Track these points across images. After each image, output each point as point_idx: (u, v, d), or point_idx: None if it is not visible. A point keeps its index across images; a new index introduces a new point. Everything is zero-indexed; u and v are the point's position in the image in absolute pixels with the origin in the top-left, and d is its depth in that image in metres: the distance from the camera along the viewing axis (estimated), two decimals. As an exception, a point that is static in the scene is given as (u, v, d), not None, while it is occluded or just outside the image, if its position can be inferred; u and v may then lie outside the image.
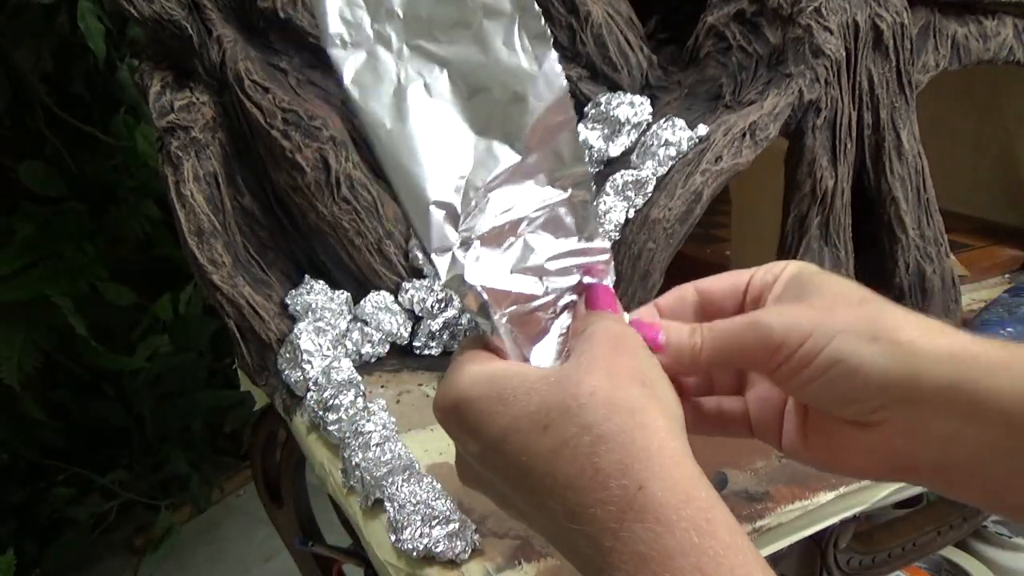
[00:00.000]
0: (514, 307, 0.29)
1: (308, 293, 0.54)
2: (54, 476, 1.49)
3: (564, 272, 0.30)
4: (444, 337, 0.55)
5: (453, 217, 0.28)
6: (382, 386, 0.52)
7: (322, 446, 0.47)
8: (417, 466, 0.42)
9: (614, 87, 0.59)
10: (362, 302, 0.55)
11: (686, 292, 0.33)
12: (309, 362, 0.50)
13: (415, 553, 0.37)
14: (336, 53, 0.27)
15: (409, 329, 0.55)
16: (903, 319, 0.27)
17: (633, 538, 0.22)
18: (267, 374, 0.54)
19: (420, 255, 0.33)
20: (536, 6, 0.29)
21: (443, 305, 0.55)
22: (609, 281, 0.32)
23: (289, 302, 0.54)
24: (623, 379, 0.25)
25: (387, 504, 0.39)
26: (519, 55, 0.29)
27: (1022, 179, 0.82)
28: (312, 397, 0.48)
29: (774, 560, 0.49)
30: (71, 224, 1.33)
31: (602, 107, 0.56)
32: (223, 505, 1.74)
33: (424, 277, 0.57)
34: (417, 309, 0.55)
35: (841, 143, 0.54)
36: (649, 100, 0.57)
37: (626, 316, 0.31)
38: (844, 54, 0.52)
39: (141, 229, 1.43)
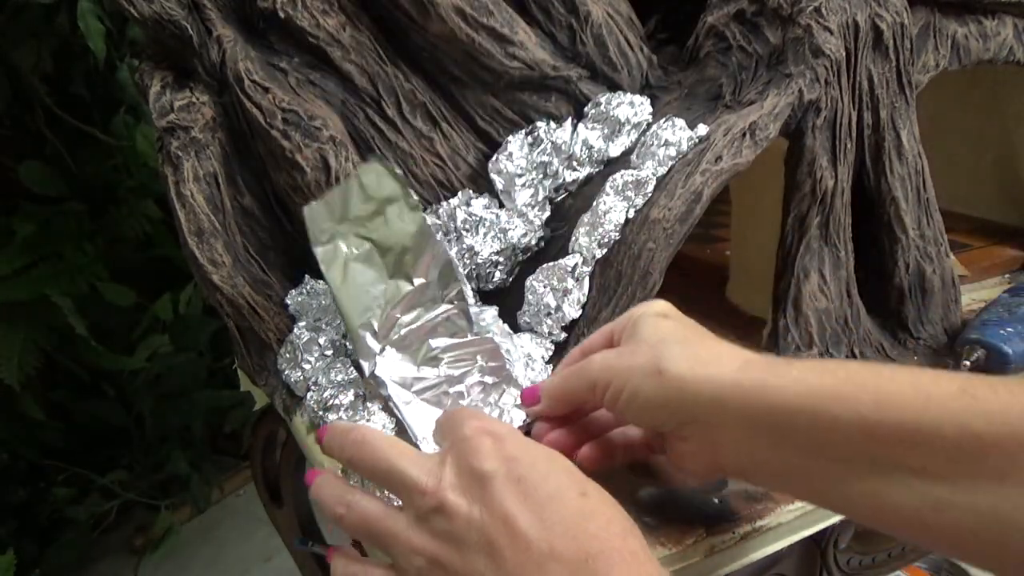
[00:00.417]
0: (426, 390, 0.43)
1: (308, 293, 0.54)
2: (54, 476, 1.49)
3: (462, 360, 0.45)
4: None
5: (374, 334, 0.45)
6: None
7: (322, 446, 0.47)
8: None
9: (614, 87, 0.59)
10: (362, 302, 0.55)
11: (574, 356, 0.41)
12: (309, 362, 0.50)
13: (415, 553, 0.37)
14: (317, 248, 0.48)
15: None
16: (679, 355, 0.33)
17: None
18: (267, 374, 0.54)
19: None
20: (411, 192, 0.49)
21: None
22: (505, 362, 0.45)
23: (289, 302, 0.54)
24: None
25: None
26: (405, 223, 0.48)
27: (1022, 179, 0.82)
28: (312, 397, 0.48)
29: (774, 560, 0.49)
30: (71, 224, 1.34)
31: (602, 107, 0.56)
32: (223, 505, 1.74)
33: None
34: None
35: (841, 143, 0.54)
36: (649, 100, 0.57)
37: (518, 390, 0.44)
38: (844, 54, 0.52)
39: (141, 229, 1.43)
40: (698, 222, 0.50)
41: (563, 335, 0.50)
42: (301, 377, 0.50)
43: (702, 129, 0.52)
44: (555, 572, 0.27)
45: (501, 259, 0.54)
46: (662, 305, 0.38)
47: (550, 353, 0.50)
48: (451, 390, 0.44)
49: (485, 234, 0.53)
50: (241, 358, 0.56)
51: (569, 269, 0.49)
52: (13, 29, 1.21)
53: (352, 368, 0.49)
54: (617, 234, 0.49)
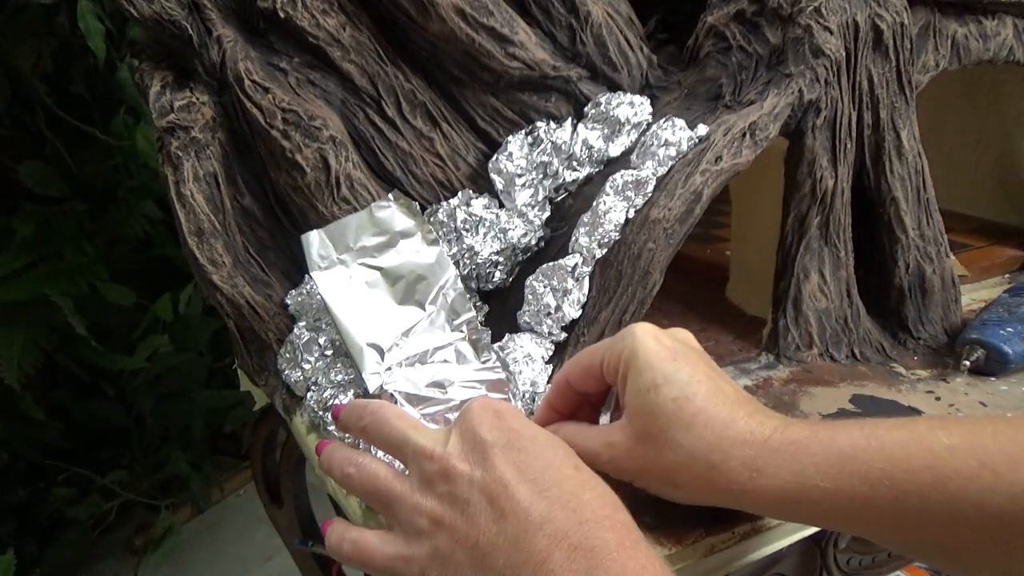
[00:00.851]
0: (428, 409, 0.43)
1: (308, 293, 0.54)
2: (54, 476, 1.49)
3: (467, 387, 0.45)
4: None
5: (380, 352, 0.46)
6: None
7: (322, 446, 0.47)
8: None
9: (614, 87, 0.59)
10: (362, 302, 0.55)
11: (561, 383, 0.41)
12: (309, 362, 0.50)
13: (415, 553, 0.37)
14: (316, 273, 0.49)
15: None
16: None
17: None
18: (267, 374, 0.54)
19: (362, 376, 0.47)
20: (430, 227, 0.51)
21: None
22: (509, 391, 0.45)
23: (289, 302, 0.54)
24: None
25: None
26: (421, 254, 0.50)
27: (1022, 179, 0.82)
28: (312, 397, 0.48)
29: (774, 560, 0.49)
30: (71, 224, 1.33)
31: (602, 107, 0.56)
32: (223, 505, 1.74)
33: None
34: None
35: (841, 143, 0.54)
36: (649, 100, 0.57)
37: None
38: (844, 54, 0.52)
39: (141, 229, 1.43)
40: (698, 222, 0.50)
41: (563, 335, 0.50)
42: (301, 377, 0.50)
43: (702, 129, 0.52)
44: (551, 533, 0.29)
45: (501, 259, 0.54)
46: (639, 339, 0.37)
47: (550, 353, 0.50)
48: (452, 417, 0.44)
49: (485, 234, 0.53)
50: (241, 358, 0.56)
51: (569, 269, 0.49)
52: (13, 29, 1.21)
53: (352, 368, 0.49)
54: (617, 234, 0.49)
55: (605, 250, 0.49)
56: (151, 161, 1.39)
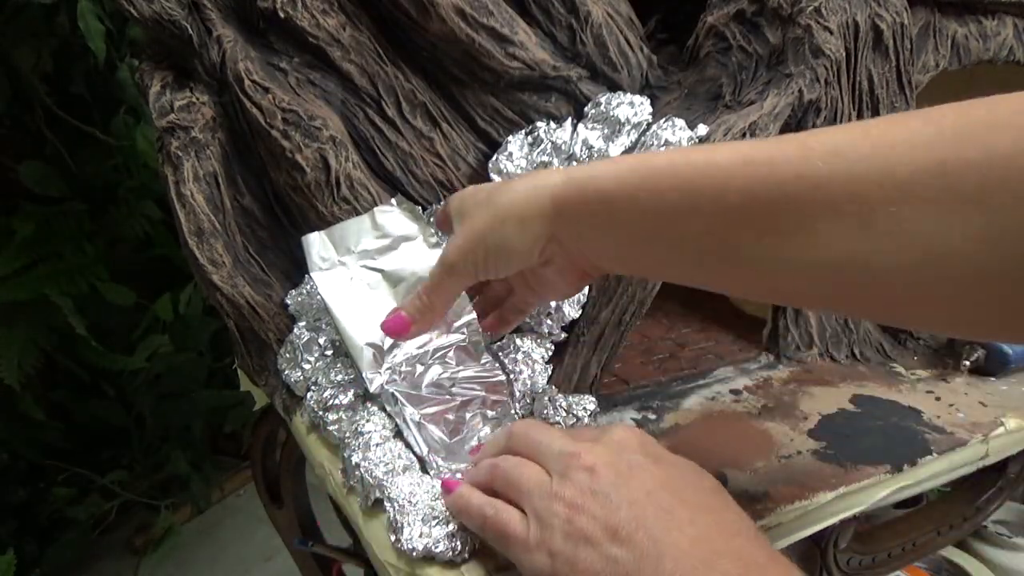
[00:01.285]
0: (428, 409, 0.44)
1: (308, 293, 0.54)
2: (54, 476, 1.49)
3: (467, 388, 0.45)
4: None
5: (380, 352, 0.46)
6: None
7: (322, 446, 0.47)
8: (417, 465, 0.42)
9: (614, 87, 0.59)
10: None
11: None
12: (309, 362, 0.50)
13: (415, 553, 0.37)
14: (316, 274, 0.49)
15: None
16: (513, 193, 0.38)
17: None
18: (267, 374, 0.54)
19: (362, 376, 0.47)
20: (432, 230, 0.51)
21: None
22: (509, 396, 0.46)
23: (289, 302, 0.54)
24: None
25: (387, 504, 0.39)
26: (423, 258, 0.49)
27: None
28: (312, 397, 0.48)
29: (774, 560, 0.49)
30: (71, 224, 1.33)
31: (602, 107, 0.56)
32: (223, 505, 1.74)
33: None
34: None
35: (841, 143, 0.54)
36: (649, 100, 0.57)
37: None
38: (844, 54, 0.52)
39: (141, 229, 1.43)
40: (698, 222, 0.50)
41: (563, 335, 0.50)
42: (301, 377, 0.50)
43: (702, 129, 0.52)
44: (694, 536, 0.28)
45: (501, 259, 0.54)
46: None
47: (550, 353, 0.50)
48: (452, 417, 0.44)
49: (485, 234, 0.53)
50: (241, 358, 0.56)
51: (569, 269, 0.49)
52: (13, 29, 1.21)
53: (352, 369, 0.49)
54: (617, 234, 0.49)
55: (605, 250, 0.49)
56: (151, 161, 1.39)
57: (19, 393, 1.24)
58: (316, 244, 0.50)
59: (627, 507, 0.30)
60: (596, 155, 0.56)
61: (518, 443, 0.37)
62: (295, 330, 0.52)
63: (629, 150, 0.56)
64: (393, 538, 0.38)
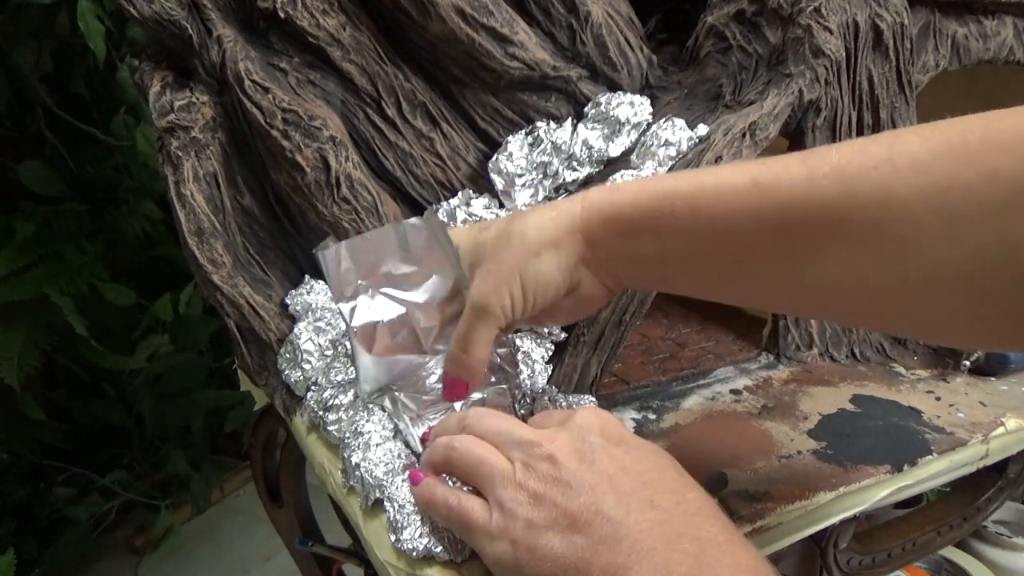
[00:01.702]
0: (430, 411, 0.43)
1: (308, 293, 0.54)
2: (54, 476, 1.49)
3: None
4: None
5: (393, 401, 0.44)
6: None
7: (322, 446, 0.47)
8: (418, 465, 0.42)
9: (614, 87, 0.59)
10: (362, 302, 0.55)
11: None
12: (309, 362, 0.50)
13: (415, 553, 0.37)
14: (342, 305, 0.43)
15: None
16: (533, 230, 0.38)
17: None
18: (267, 374, 0.54)
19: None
20: (467, 275, 0.42)
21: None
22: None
23: (289, 302, 0.54)
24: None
25: (387, 504, 0.39)
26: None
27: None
28: (312, 397, 0.48)
29: (774, 560, 0.49)
30: (71, 224, 1.34)
31: (602, 107, 0.56)
32: (223, 505, 1.74)
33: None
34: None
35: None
36: (649, 100, 0.57)
37: None
38: (844, 54, 0.52)
39: (141, 229, 1.43)
40: (698, 222, 0.50)
41: (563, 335, 0.50)
42: (301, 377, 0.50)
43: (702, 129, 0.52)
44: (655, 519, 0.29)
45: (501, 259, 0.54)
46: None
47: (550, 353, 0.50)
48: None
49: (485, 234, 0.53)
50: (241, 358, 0.56)
51: (569, 269, 0.49)
52: (13, 29, 1.21)
53: (352, 368, 0.49)
54: (617, 234, 0.49)
55: (605, 250, 0.49)
56: (151, 161, 1.39)
57: (19, 393, 1.24)
58: (332, 259, 0.43)
59: (587, 493, 0.30)
60: (596, 155, 0.56)
61: (475, 429, 0.37)
62: (295, 330, 0.52)
63: (629, 150, 0.56)
64: (393, 538, 0.38)
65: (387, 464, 0.41)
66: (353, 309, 0.43)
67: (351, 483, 0.42)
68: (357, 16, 0.57)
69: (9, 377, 1.21)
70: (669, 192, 0.33)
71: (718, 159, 0.49)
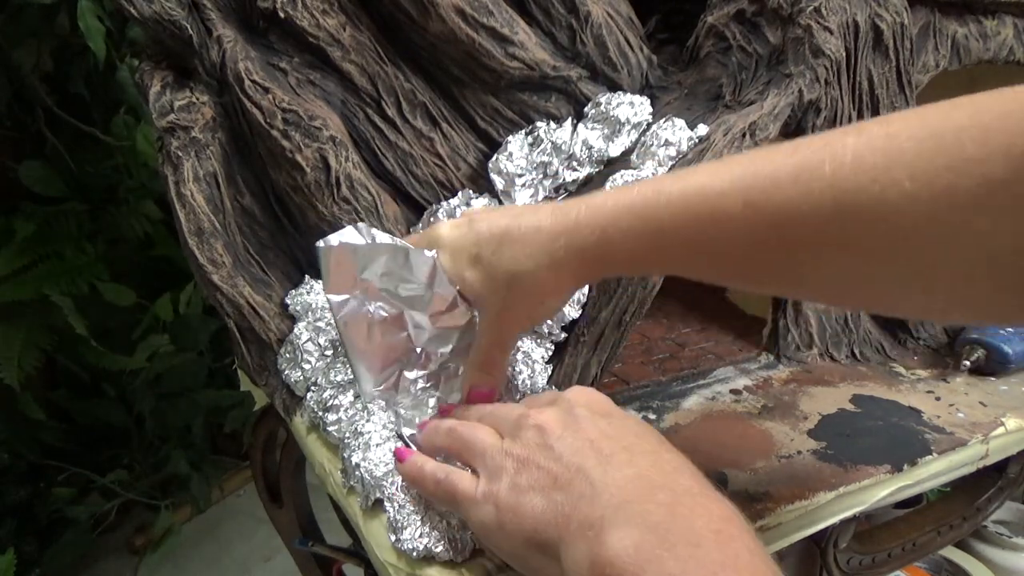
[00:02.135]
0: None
1: (308, 293, 0.54)
2: (54, 476, 1.49)
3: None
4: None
5: (390, 390, 0.46)
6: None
7: (322, 446, 0.47)
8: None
9: (614, 87, 0.59)
10: (362, 302, 0.55)
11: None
12: (309, 362, 0.50)
13: (415, 553, 0.37)
14: (331, 296, 0.44)
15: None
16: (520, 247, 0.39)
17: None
18: (267, 374, 0.54)
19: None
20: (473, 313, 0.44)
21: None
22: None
23: (289, 302, 0.54)
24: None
25: (387, 504, 0.39)
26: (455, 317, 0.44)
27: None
28: (312, 397, 0.48)
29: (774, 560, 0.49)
30: (71, 224, 1.33)
31: (602, 107, 0.56)
32: (223, 505, 1.74)
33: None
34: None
35: (841, 143, 0.54)
36: (649, 100, 0.57)
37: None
38: (844, 54, 0.52)
39: (141, 229, 1.43)
40: (698, 222, 0.50)
41: (563, 335, 0.50)
42: (301, 377, 0.50)
43: (702, 129, 0.52)
44: (632, 475, 0.30)
45: (501, 259, 0.54)
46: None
47: (550, 353, 0.50)
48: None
49: (485, 234, 0.53)
50: (241, 358, 0.56)
51: (569, 269, 0.49)
52: (13, 29, 1.21)
53: (351, 369, 0.49)
54: (617, 234, 0.49)
55: (605, 250, 0.49)
56: (151, 161, 1.39)
57: (19, 393, 1.24)
58: (336, 254, 0.43)
59: (569, 455, 0.32)
60: (596, 155, 0.56)
61: (472, 414, 0.39)
62: (295, 330, 0.52)
63: (629, 150, 0.56)
64: (393, 538, 0.38)
65: (387, 464, 0.41)
66: (344, 301, 0.44)
67: (351, 483, 0.42)
68: (357, 16, 0.57)
69: (9, 377, 1.21)
70: (664, 226, 0.33)
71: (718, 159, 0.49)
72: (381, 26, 0.58)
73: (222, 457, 1.77)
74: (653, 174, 0.51)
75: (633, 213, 0.34)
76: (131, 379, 1.49)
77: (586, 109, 0.58)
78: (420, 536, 0.37)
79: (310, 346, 0.50)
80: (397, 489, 0.39)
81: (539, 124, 0.57)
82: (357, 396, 0.47)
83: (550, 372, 0.49)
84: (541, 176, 0.56)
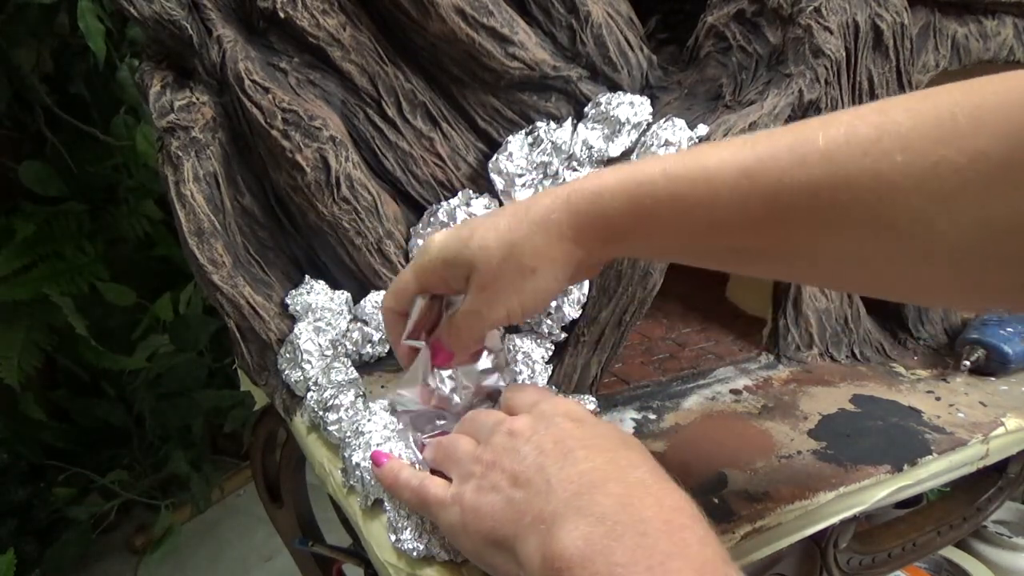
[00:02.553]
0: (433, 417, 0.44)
1: (308, 293, 0.54)
2: (54, 476, 1.49)
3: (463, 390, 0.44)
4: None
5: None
6: (382, 386, 0.52)
7: (322, 446, 0.47)
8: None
9: (614, 87, 0.59)
10: (362, 302, 0.55)
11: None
12: (309, 362, 0.50)
13: (415, 553, 0.37)
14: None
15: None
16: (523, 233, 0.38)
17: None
18: (267, 374, 0.54)
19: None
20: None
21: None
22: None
23: (289, 302, 0.54)
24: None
25: (387, 504, 0.39)
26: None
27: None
28: (312, 397, 0.48)
29: (774, 560, 0.49)
30: (71, 224, 1.33)
31: (602, 107, 0.56)
32: (223, 505, 1.74)
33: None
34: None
35: (841, 143, 0.54)
36: (649, 100, 0.57)
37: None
38: (844, 54, 0.52)
39: (141, 229, 1.43)
40: (698, 222, 0.50)
41: (563, 335, 0.50)
42: (301, 377, 0.50)
43: (702, 129, 0.52)
44: (586, 471, 0.30)
45: (501, 259, 0.54)
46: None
47: (550, 353, 0.50)
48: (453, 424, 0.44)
49: (485, 234, 0.53)
50: (241, 358, 0.56)
51: (569, 269, 0.49)
52: (13, 29, 1.21)
53: (352, 368, 0.49)
54: (617, 234, 0.49)
55: (605, 250, 0.49)
56: (151, 161, 1.39)
57: (19, 393, 1.24)
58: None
59: (533, 456, 0.32)
60: (596, 155, 0.56)
61: (462, 426, 0.40)
62: (295, 330, 0.52)
63: (629, 150, 0.56)
64: (393, 538, 0.38)
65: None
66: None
67: (351, 483, 0.42)
68: (357, 16, 0.57)
69: (9, 377, 1.21)
70: (658, 191, 0.33)
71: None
72: (381, 26, 0.58)
73: (222, 457, 1.78)
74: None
75: (629, 178, 0.34)
76: (131, 379, 1.49)
77: (586, 109, 0.58)
78: (420, 536, 0.37)
79: (310, 346, 0.50)
80: (397, 489, 0.39)
81: (539, 124, 0.57)
82: (358, 395, 0.47)
83: (550, 372, 0.49)
84: (541, 176, 0.56)
